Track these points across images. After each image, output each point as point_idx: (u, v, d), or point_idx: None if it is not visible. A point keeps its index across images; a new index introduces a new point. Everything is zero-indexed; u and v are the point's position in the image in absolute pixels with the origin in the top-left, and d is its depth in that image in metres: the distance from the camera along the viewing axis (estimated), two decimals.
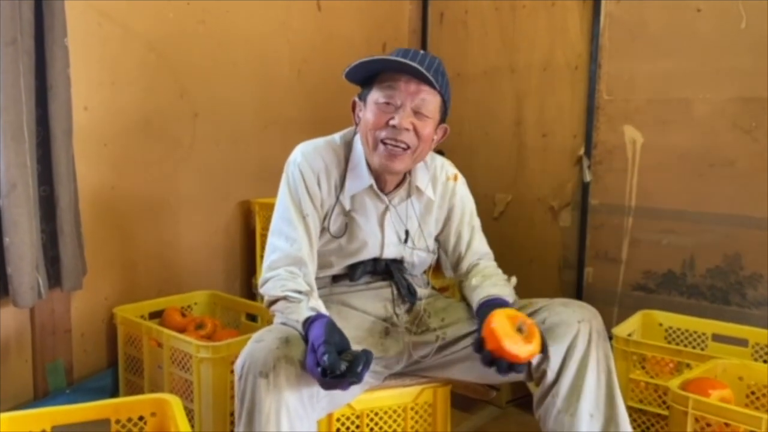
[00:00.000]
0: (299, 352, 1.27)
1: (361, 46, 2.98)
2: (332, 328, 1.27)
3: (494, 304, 1.44)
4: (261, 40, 2.60)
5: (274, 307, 1.43)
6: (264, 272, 1.48)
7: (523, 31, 2.87)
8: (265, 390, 1.21)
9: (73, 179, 1.98)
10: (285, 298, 1.40)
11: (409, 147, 1.43)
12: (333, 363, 1.17)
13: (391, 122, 1.40)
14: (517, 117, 2.91)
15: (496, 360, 1.29)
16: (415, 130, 1.42)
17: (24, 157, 1.81)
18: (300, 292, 1.40)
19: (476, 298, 1.52)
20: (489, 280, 1.56)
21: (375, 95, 1.44)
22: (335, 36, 2.89)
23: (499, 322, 1.29)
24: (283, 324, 1.38)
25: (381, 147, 1.43)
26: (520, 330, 1.28)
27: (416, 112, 1.42)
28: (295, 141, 1.57)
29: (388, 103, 1.41)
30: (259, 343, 1.28)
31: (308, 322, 1.32)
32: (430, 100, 1.42)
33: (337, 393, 1.33)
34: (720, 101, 2.36)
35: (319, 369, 1.18)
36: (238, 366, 1.27)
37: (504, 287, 1.54)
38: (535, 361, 1.40)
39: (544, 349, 1.34)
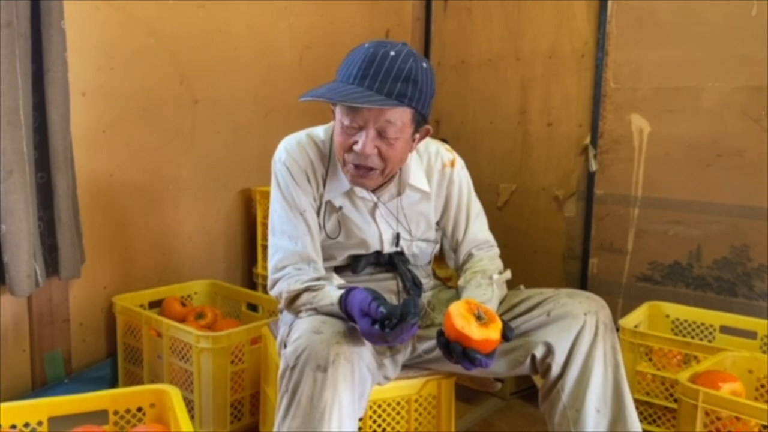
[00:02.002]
0: (353, 348, 1.24)
1: (364, 32, 2.93)
2: (373, 291, 1.25)
3: None
4: (262, 25, 2.56)
5: (297, 302, 1.39)
6: (271, 273, 1.44)
7: (529, 18, 2.83)
8: (322, 385, 1.19)
9: (71, 166, 1.96)
10: (307, 289, 1.37)
11: (376, 168, 1.37)
12: (391, 310, 1.17)
13: (355, 147, 1.33)
14: (522, 105, 2.88)
15: (451, 344, 1.23)
16: (380, 154, 1.35)
17: (20, 143, 1.78)
18: (319, 279, 1.38)
19: None
20: (474, 279, 1.51)
21: (339, 113, 1.36)
22: (338, 22, 2.84)
23: (456, 306, 1.27)
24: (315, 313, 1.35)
25: (350, 166, 1.38)
26: (478, 317, 1.25)
27: (381, 135, 1.33)
28: (296, 128, 1.53)
29: (351, 126, 1.34)
30: (318, 335, 1.24)
31: (343, 299, 1.29)
32: (395, 119, 1.31)
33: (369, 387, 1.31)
34: (729, 90, 2.33)
35: (377, 326, 1.18)
36: (291, 355, 1.23)
37: (487, 288, 1.47)
38: (538, 353, 1.38)
39: (506, 338, 1.26)
